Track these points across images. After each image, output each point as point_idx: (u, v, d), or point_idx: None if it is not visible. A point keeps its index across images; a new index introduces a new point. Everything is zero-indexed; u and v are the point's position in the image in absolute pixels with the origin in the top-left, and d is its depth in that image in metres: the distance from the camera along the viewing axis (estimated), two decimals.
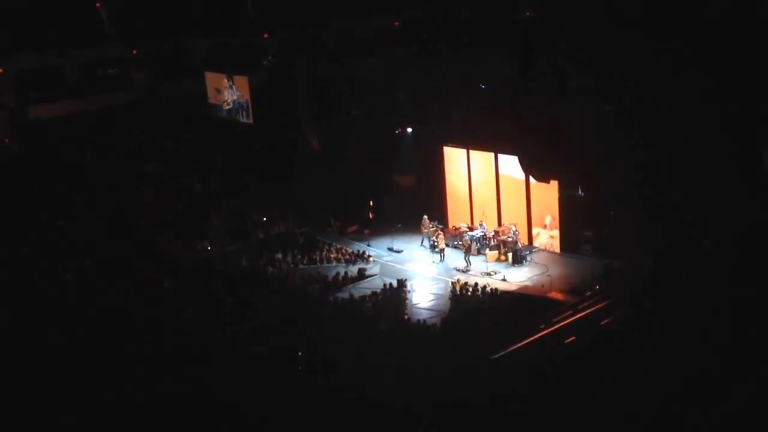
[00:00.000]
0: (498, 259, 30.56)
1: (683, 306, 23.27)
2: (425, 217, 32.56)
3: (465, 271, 30.09)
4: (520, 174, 31.44)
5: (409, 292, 28.46)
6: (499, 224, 32.16)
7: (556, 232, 30.99)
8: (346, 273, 30.04)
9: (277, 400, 21.49)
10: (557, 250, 31.03)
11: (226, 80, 38.99)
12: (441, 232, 31.79)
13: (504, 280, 29.03)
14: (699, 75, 29.77)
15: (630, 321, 24.01)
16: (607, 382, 20.41)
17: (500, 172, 32.23)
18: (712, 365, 20.25)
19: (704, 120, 29.04)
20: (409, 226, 33.21)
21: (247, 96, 38.23)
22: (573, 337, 23.98)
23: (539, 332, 24.72)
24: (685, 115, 29.50)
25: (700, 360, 20.56)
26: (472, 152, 33.12)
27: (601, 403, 19.60)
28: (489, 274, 29.53)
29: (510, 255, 30.44)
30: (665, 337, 21.99)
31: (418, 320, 26.13)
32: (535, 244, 31.64)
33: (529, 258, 30.43)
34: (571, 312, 25.88)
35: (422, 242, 32.46)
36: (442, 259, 31.17)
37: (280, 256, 31.63)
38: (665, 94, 30.15)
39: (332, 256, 31.83)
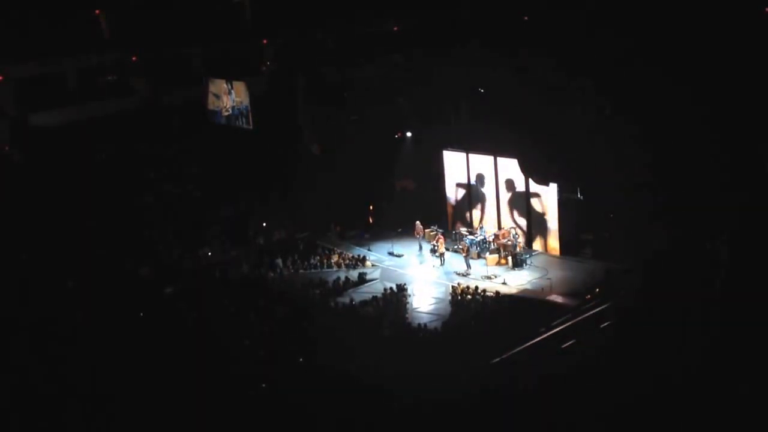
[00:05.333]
0: (498, 263, 30.60)
1: (683, 308, 23.25)
2: (417, 222, 32.59)
3: (465, 274, 30.12)
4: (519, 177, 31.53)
5: (410, 296, 28.49)
6: (499, 228, 32.21)
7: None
8: (346, 278, 30.08)
9: (277, 404, 21.56)
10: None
11: (225, 85, 38.97)
12: (441, 236, 31.82)
13: (504, 283, 29.06)
14: (699, 76, 29.82)
15: (629, 324, 24.01)
16: (606, 385, 20.42)
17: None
18: (711, 367, 20.26)
19: (705, 121, 29.06)
20: (410, 230, 33.22)
21: (246, 101, 38.19)
22: (573, 341, 23.97)
23: (539, 336, 24.72)
24: (686, 116, 29.53)
25: (700, 362, 20.58)
26: (471, 156, 33.19)
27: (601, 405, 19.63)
28: (489, 278, 29.56)
29: (510, 258, 30.47)
30: (664, 339, 21.98)
31: (419, 324, 26.17)
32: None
33: (529, 261, 30.46)
34: (571, 315, 25.88)
35: (420, 248, 32.41)
36: (442, 263, 31.19)
37: (280, 261, 31.66)
38: (665, 95, 30.17)
39: (333, 261, 31.86)
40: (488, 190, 32.88)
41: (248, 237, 34.21)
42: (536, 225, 31.65)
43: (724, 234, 26.68)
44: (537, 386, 20.97)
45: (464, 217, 33.77)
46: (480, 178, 33.06)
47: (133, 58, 41.15)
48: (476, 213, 33.47)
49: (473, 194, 33.43)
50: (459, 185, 33.90)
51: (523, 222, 31.95)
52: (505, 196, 32.31)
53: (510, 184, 32.02)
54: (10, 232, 31.96)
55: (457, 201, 34.18)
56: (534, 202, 31.47)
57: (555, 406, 19.91)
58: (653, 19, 32.48)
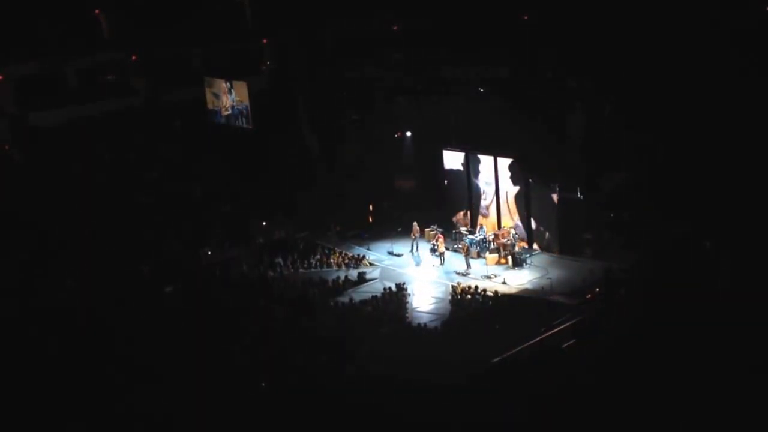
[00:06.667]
0: (498, 262, 30.59)
1: (681, 307, 23.25)
2: (414, 223, 32.59)
3: (465, 274, 30.12)
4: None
5: (410, 295, 28.49)
6: (498, 227, 32.22)
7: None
8: (346, 277, 30.07)
9: (279, 403, 21.58)
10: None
11: (225, 85, 39.01)
12: (441, 236, 31.82)
13: (504, 283, 29.04)
14: (699, 75, 29.83)
15: (629, 323, 23.99)
16: (606, 384, 20.41)
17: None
18: (711, 366, 20.26)
19: (705, 120, 29.07)
20: (410, 229, 33.20)
21: (246, 101, 38.24)
22: (573, 341, 23.96)
23: (539, 335, 24.72)
24: (686, 115, 29.53)
25: (699, 361, 20.58)
26: (471, 156, 33.20)
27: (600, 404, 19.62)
28: (489, 277, 29.55)
29: (510, 258, 30.47)
30: (663, 338, 21.97)
31: (419, 324, 26.18)
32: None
33: (529, 261, 30.44)
34: (571, 315, 25.86)
35: (412, 249, 32.36)
36: (442, 263, 31.20)
37: (280, 260, 31.67)
38: (664, 94, 30.19)
39: (332, 260, 31.87)
40: (488, 189, 32.87)
41: (248, 236, 34.21)
42: (536, 225, 31.64)
43: (724, 234, 26.72)
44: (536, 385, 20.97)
45: (464, 217, 33.73)
46: (480, 177, 33.06)
47: (133, 58, 41.24)
48: (476, 212, 33.45)
49: (473, 194, 33.42)
50: (458, 185, 33.88)
51: (523, 222, 31.93)
52: (505, 195, 32.29)
53: (510, 183, 32.00)
54: (10, 231, 32.02)
55: (456, 200, 34.15)
56: (534, 201, 31.46)
57: (554, 406, 19.90)
58: (652, 19, 32.52)
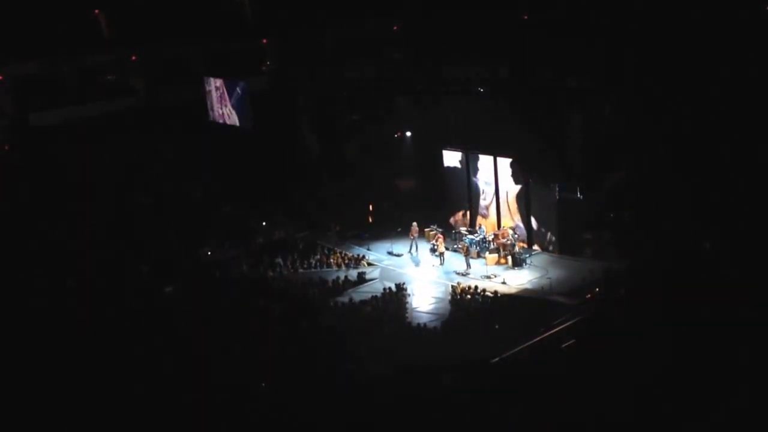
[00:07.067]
0: (498, 262, 30.60)
1: (682, 307, 23.25)
2: (414, 224, 32.59)
3: (465, 274, 30.12)
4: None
5: (409, 295, 28.50)
6: (498, 227, 32.22)
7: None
8: (346, 277, 30.09)
9: (280, 402, 21.59)
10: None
11: (224, 85, 38.99)
12: (441, 236, 31.84)
13: (504, 283, 29.06)
14: (699, 75, 29.81)
15: (629, 323, 23.99)
16: (605, 385, 20.41)
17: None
18: (710, 367, 20.25)
19: (705, 120, 29.05)
20: (410, 229, 33.22)
21: (246, 101, 38.20)
22: (573, 341, 23.96)
23: (539, 335, 24.72)
24: (686, 114, 29.52)
25: (697, 362, 20.58)
26: (471, 155, 33.20)
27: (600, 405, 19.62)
28: (489, 277, 29.56)
29: (510, 258, 30.48)
30: (663, 338, 21.97)
31: (419, 324, 26.18)
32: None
33: (528, 261, 30.46)
34: (571, 315, 25.87)
35: (410, 249, 32.37)
36: (442, 263, 31.21)
37: (280, 260, 31.68)
38: (665, 93, 30.16)
39: (332, 260, 31.88)
40: (488, 189, 32.89)
41: (248, 236, 34.22)
42: (536, 225, 31.65)
43: (724, 234, 26.71)
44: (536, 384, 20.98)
45: (462, 217, 33.75)
46: (479, 177, 33.08)
47: (133, 58, 41.19)
48: (475, 212, 33.46)
49: (472, 193, 33.43)
50: (458, 184, 33.89)
51: (523, 221, 31.94)
52: (505, 195, 32.30)
53: (510, 183, 32.02)
54: (9, 231, 31.99)
55: (456, 200, 34.16)
56: (534, 201, 31.47)
57: (554, 406, 19.91)
58: (651, 18, 32.46)
